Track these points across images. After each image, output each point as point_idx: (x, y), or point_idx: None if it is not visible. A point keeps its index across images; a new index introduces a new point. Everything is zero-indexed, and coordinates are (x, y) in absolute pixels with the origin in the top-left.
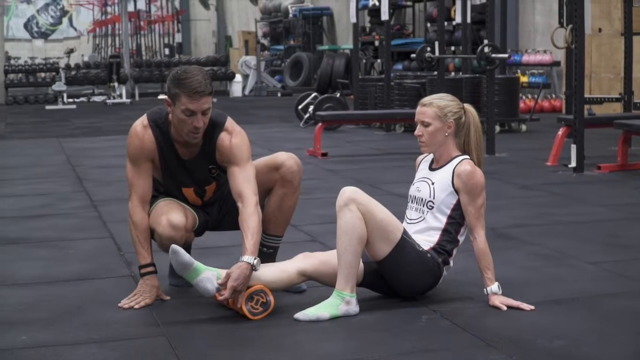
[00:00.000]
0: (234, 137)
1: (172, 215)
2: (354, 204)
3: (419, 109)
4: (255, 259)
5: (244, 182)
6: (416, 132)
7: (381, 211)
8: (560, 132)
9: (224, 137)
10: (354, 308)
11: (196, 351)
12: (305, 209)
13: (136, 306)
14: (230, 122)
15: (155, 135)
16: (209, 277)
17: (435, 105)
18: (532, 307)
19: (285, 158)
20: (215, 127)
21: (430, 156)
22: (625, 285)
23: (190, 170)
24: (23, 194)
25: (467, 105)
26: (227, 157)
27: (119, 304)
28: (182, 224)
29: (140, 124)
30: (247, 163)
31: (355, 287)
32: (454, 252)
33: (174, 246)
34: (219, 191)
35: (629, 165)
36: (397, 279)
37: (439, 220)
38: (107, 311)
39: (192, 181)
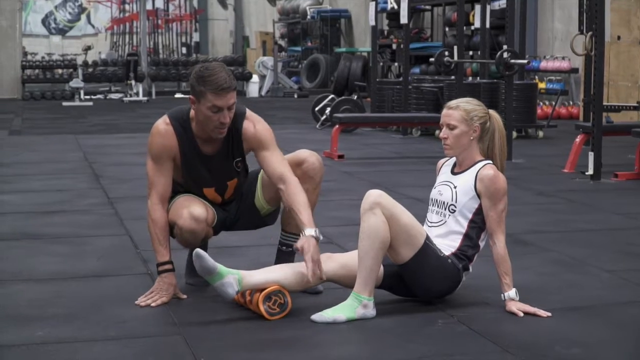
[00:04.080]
0: (257, 123)
1: (194, 208)
2: (379, 208)
3: (445, 111)
4: (315, 229)
5: (280, 165)
6: (441, 135)
7: (406, 215)
8: (578, 139)
9: (247, 125)
10: (370, 311)
11: (212, 350)
12: (322, 211)
13: (153, 304)
14: (249, 111)
15: (178, 133)
16: (231, 281)
17: (462, 109)
18: (549, 314)
19: (308, 155)
20: (237, 118)
21: (452, 160)
22: None
23: (213, 166)
24: (40, 190)
25: (491, 111)
26: (256, 143)
27: (136, 302)
28: (204, 217)
29: (163, 122)
30: (276, 146)
31: (373, 290)
32: (475, 257)
33: (198, 250)
34: (238, 189)
35: None
36: (417, 283)
37: (461, 225)
38: (123, 308)
39: (214, 178)
